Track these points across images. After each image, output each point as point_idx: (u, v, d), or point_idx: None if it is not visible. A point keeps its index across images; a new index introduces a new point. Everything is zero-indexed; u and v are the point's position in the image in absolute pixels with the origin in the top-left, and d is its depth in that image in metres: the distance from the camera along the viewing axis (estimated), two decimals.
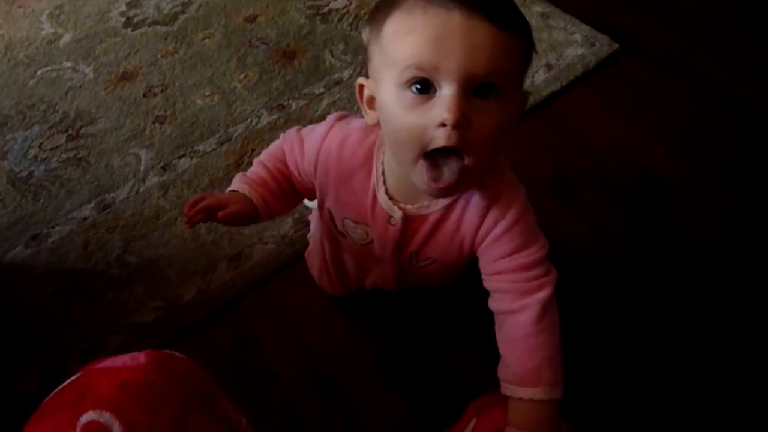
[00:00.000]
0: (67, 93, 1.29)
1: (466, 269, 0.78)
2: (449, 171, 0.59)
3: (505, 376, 0.69)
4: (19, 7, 1.51)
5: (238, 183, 0.75)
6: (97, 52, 1.38)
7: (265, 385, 0.88)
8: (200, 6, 1.48)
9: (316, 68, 1.33)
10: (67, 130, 1.22)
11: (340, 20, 1.44)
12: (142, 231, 1.05)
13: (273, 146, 0.79)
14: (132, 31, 1.43)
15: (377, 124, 0.65)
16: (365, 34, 0.64)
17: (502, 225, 0.68)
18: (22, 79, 1.33)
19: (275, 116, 1.23)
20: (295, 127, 0.78)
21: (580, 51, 1.35)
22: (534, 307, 0.67)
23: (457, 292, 0.89)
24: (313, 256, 0.93)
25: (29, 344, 0.93)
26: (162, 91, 1.29)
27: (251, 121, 1.22)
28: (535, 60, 1.31)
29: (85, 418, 0.43)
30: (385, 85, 0.60)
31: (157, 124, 1.22)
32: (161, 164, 1.15)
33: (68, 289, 0.99)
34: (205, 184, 1.11)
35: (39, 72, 1.34)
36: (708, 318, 0.95)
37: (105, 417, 0.43)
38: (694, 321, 0.95)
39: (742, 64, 1.34)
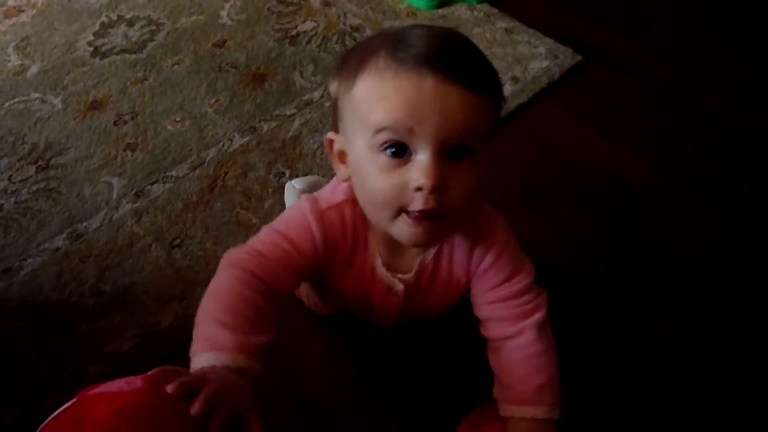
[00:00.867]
0: (35, 124, 1.28)
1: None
2: (427, 229, 0.60)
3: (504, 396, 0.70)
4: None
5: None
6: (65, 82, 1.37)
7: None
8: (168, 33, 1.49)
9: (287, 90, 1.34)
10: (36, 162, 1.21)
11: (308, 42, 1.46)
12: (117, 259, 1.05)
13: (223, 286, 0.62)
14: (100, 60, 1.42)
15: (348, 179, 0.64)
16: (333, 87, 0.64)
17: (489, 259, 0.69)
18: None
19: (247, 138, 1.23)
20: (265, 230, 0.67)
21: (544, 63, 1.39)
22: (531, 329, 0.69)
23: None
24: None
25: (4, 379, 0.91)
26: (132, 118, 1.29)
27: (223, 145, 1.22)
28: (502, 74, 1.34)
29: None
30: (359, 145, 0.59)
31: (128, 152, 1.22)
32: (134, 191, 1.15)
33: (42, 322, 0.97)
34: (179, 209, 1.11)
35: (6, 104, 1.33)
36: (682, 324, 0.97)
37: None
38: (668, 327, 0.97)
39: (703, 72, 1.39)
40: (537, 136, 1.25)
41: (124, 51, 1.45)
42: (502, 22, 1.50)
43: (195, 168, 1.18)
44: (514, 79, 1.35)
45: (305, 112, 1.28)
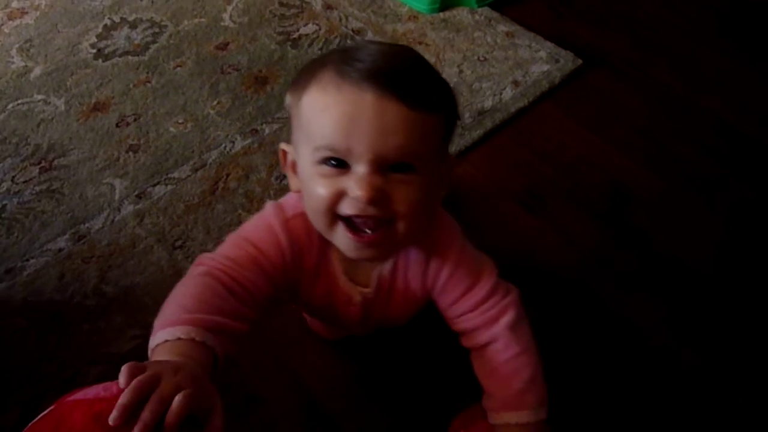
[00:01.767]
0: (39, 125, 1.29)
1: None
2: (369, 241, 0.59)
3: (490, 405, 0.70)
4: None
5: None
6: (68, 84, 1.38)
7: (246, 409, 0.88)
8: (171, 35, 1.50)
9: None
10: (39, 163, 1.22)
11: (310, 45, 1.47)
12: (119, 260, 1.05)
13: (189, 281, 0.61)
14: (103, 62, 1.43)
15: (299, 191, 0.64)
16: (288, 98, 0.63)
17: (445, 273, 0.69)
18: None
19: (249, 141, 1.24)
20: (231, 237, 0.66)
21: (545, 67, 1.39)
22: (504, 334, 0.68)
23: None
24: None
25: (6, 379, 0.92)
26: (135, 120, 1.29)
27: (225, 147, 1.23)
28: (502, 77, 1.36)
29: None
30: (303, 156, 0.60)
31: (130, 153, 1.23)
32: (136, 193, 1.15)
33: (44, 322, 0.98)
34: (180, 211, 1.12)
35: (10, 105, 1.34)
36: (679, 326, 0.98)
37: None
38: (665, 328, 0.97)
39: (703, 77, 1.39)
40: (537, 140, 1.26)
41: (126, 53, 1.45)
42: (504, 26, 1.51)
43: (197, 170, 1.19)
44: (515, 83, 1.35)
45: None
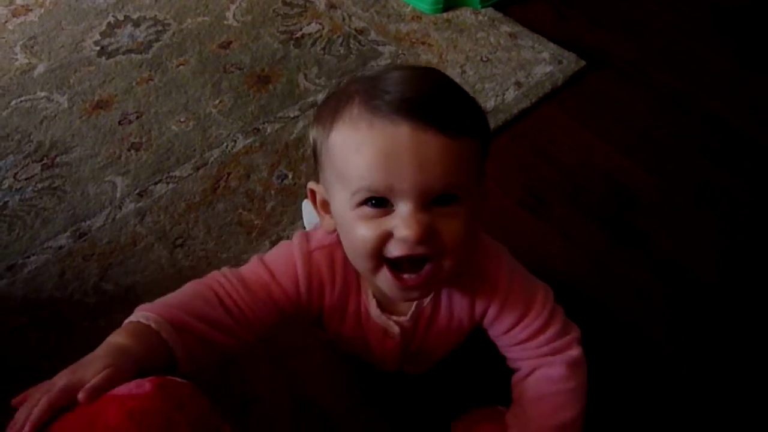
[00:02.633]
0: (41, 122, 1.29)
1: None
2: (413, 273, 0.57)
3: (520, 425, 0.67)
4: None
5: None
6: (71, 81, 1.38)
7: (246, 408, 0.88)
8: (174, 33, 1.50)
9: (291, 92, 1.35)
10: (42, 160, 1.22)
11: (313, 44, 1.47)
12: (119, 258, 1.05)
13: (189, 285, 0.64)
14: (106, 59, 1.43)
15: (334, 231, 0.61)
16: (313, 133, 0.60)
17: (496, 304, 0.66)
18: None
19: (251, 140, 1.24)
20: (254, 259, 0.66)
21: (548, 69, 1.39)
22: (563, 366, 0.66)
23: None
24: None
25: (5, 377, 0.92)
26: (137, 118, 1.29)
27: (227, 146, 1.23)
28: (505, 78, 1.36)
29: None
30: (339, 197, 0.57)
31: (132, 151, 1.23)
32: (137, 191, 1.15)
33: (44, 319, 0.98)
34: (182, 210, 1.12)
35: (13, 102, 1.34)
36: (680, 328, 0.97)
37: None
38: (667, 330, 0.97)
39: (705, 79, 1.39)
40: (539, 141, 1.26)
41: (130, 51, 1.46)
42: (507, 27, 1.50)
43: (198, 168, 1.19)
44: (518, 84, 1.35)
45: (309, 114, 1.29)
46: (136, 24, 1.53)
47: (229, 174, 1.17)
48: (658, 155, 1.23)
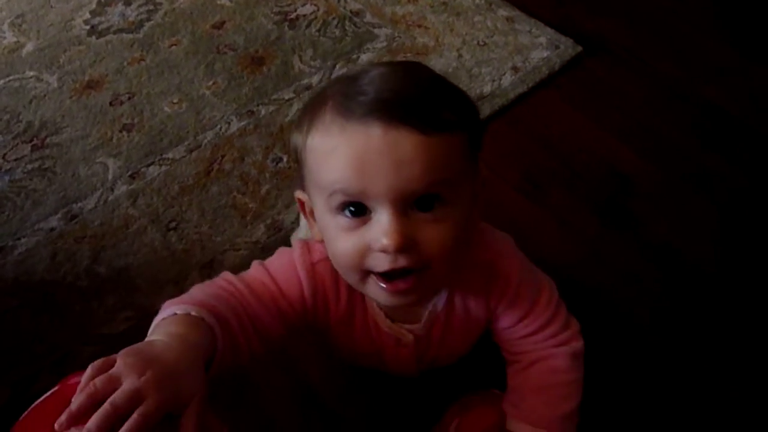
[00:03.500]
0: (30, 102, 1.27)
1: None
2: (402, 280, 0.54)
3: (519, 414, 0.67)
4: None
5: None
6: (61, 60, 1.36)
7: (241, 393, 0.88)
8: (166, 13, 1.47)
9: (285, 74, 1.33)
10: (31, 140, 1.20)
11: (308, 26, 1.45)
12: (112, 240, 1.04)
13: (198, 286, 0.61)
14: (97, 39, 1.41)
15: (321, 240, 0.59)
16: (293, 140, 0.58)
17: (508, 297, 0.65)
18: None
19: (245, 122, 1.22)
20: (256, 266, 0.63)
21: (545, 54, 1.38)
22: (567, 358, 0.67)
23: None
24: None
25: None
26: (129, 99, 1.27)
27: (220, 128, 1.21)
28: (502, 63, 1.35)
29: None
30: (318, 205, 0.55)
31: (124, 133, 1.21)
32: (129, 173, 1.14)
33: (36, 302, 0.97)
34: (175, 192, 1.10)
35: (1, 81, 1.32)
36: (675, 315, 0.98)
37: None
38: (662, 317, 0.97)
39: (703, 66, 1.38)
40: (535, 126, 1.25)
41: (121, 30, 1.43)
42: (504, 11, 1.49)
43: (191, 151, 1.17)
44: (515, 69, 1.34)
45: (303, 97, 1.27)
46: (127, 2, 1.50)
47: (223, 156, 1.16)
48: (655, 142, 1.23)
